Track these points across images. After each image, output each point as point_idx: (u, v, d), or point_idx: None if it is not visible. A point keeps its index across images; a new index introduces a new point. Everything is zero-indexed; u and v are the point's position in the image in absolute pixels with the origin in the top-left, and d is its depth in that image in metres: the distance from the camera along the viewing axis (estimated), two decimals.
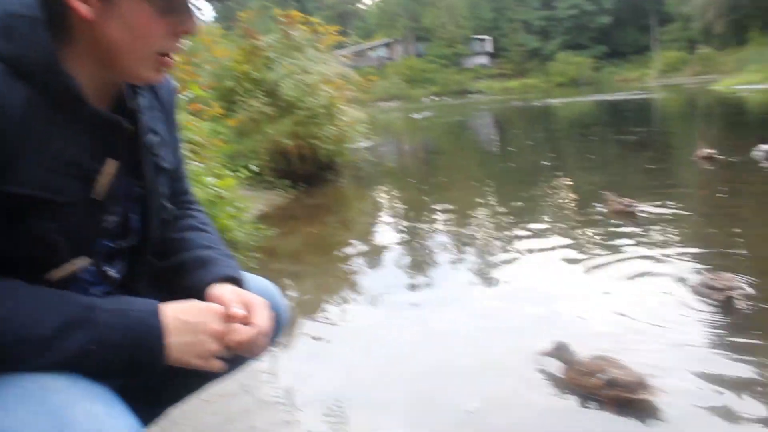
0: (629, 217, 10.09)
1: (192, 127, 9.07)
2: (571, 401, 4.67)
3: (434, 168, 20.70)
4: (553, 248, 8.83)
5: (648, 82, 69.89)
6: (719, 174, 13.66)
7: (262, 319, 1.83)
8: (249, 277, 2.20)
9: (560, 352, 4.99)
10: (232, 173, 10.17)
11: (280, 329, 2.29)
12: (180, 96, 8.93)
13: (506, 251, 9.00)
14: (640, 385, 4.40)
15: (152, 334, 1.59)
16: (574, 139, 25.67)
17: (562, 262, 8.15)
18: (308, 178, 14.70)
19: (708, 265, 7.38)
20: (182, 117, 8.70)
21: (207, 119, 11.30)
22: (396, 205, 14.11)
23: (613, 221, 9.97)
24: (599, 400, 4.53)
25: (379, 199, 14.80)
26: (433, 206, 12.93)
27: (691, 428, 4.28)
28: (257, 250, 9.13)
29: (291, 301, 7.24)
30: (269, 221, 11.01)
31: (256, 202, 12.30)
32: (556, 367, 5.01)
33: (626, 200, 10.15)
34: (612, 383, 4.44)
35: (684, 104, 41.87)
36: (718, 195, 11.83)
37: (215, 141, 10.48)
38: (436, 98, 62.14)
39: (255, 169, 12.00)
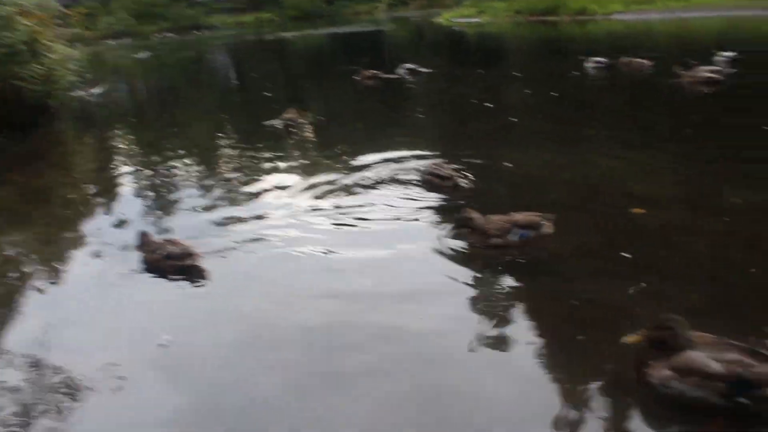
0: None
1: None
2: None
3: (167, 106, 20.22)
4: (288, 172, 10.04)
5: (377, 15, 73.47)
6: (379, 87, 18.10)
7: None
8: None
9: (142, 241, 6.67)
10: None
11: None
12: None
13: (242, 185, 9.71)
14: (188, 254, 6.37)
15: None
16: (301, 72, 26.56)
17: (293, 187, 9.24)
18: (15, 123, 13.41)
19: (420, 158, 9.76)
20: None
21: None
22: (124, 147, 13.67)
23: (329, 154, 11.84)
24: (163, 269, 6.43)
25: (107, 143, 14.23)
26: (166, 144, 13.14)
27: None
28: None
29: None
30: None
31: None
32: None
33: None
34: (168, 256, 6.40)
35: (408, 35, 45.14)
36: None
37: None
38: (169, 34, 58.96)
39: None
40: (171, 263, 6.41)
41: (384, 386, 4.52)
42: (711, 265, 5.98)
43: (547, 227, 6.32)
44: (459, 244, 6.59)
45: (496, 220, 6.39)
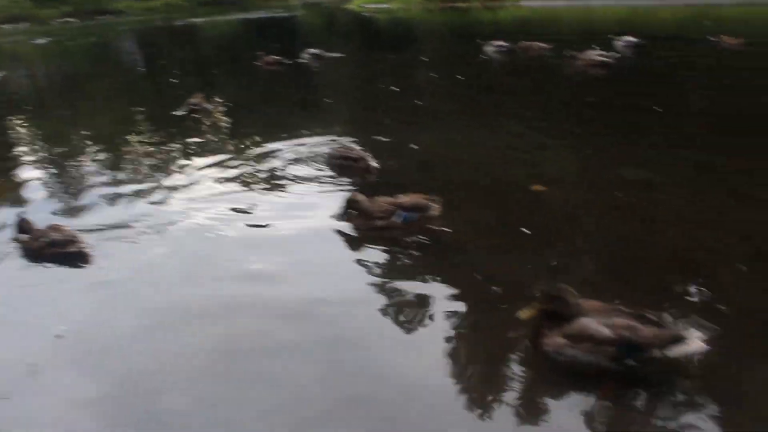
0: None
1: None
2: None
3: (70, 94, 19.23)
4: (194, 158, 9.79)
5: (290, 0, 72.44)
6: (284, 72, 18.11)
7: None
8: None
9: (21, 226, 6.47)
10: None
11: None
12: None
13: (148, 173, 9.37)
14: (71, 241, 6.21)
15: None
16: (211, 58, 25.90)
17: (198, 173, 9.00)
18: None
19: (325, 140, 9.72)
20: None
21: None
22: (24, 135, 12.93)
23: (236, 139, 11.55)
24: (44, 256, 6.21)
25: (5, 132, 13.32)
26: (67, 132, 12.60)
27: None
28: None
29: None
30: None
31: None
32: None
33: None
34: (51, 244, 6.21)
35: (320, 20, 44.75)
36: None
37: None
38: (70, 19, 56.00)
39: None
40: (55, 250, 6.19)
41: (291, 366, 4.45)
42: (606, 239, 6.21)
43: (434, 209, 6.41)
44: (348, 226, 6.60)
45: (382, 202, 6.46)
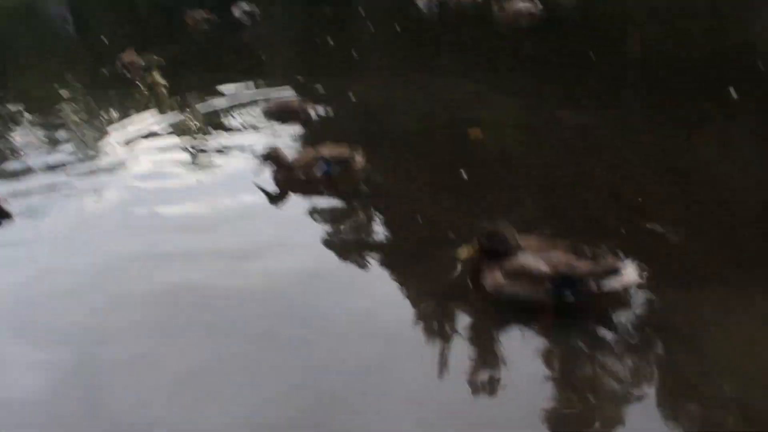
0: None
1: None
2: None
3: None
4: (132, 118, 9.32)
5: None
6: (217, 28, 17.31)
7: None
8: None
9: None
10: None
11: None
12: None
13: None
14: None
15: None
16: (146, 17, 24.86)
17: (137, 133, 8.57)
18: None
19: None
20: None
21: None
22: None
23: (173, 98, 11.26)
24: None
25: None
26: None
27: None
28: None
29: None
30: None
31: None
32: None
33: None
34: None
35: None
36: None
37: None
38: None
39: None
40: None
41: (231, 314, 4.34)
42: (543, 180, 6.25)
43: (358, 160, 6.32)
44: (270, 179, 6.45)
45: (304, 155, 6.32)
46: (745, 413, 3.29)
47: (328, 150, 6.32)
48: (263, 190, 6.29)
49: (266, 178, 6.43)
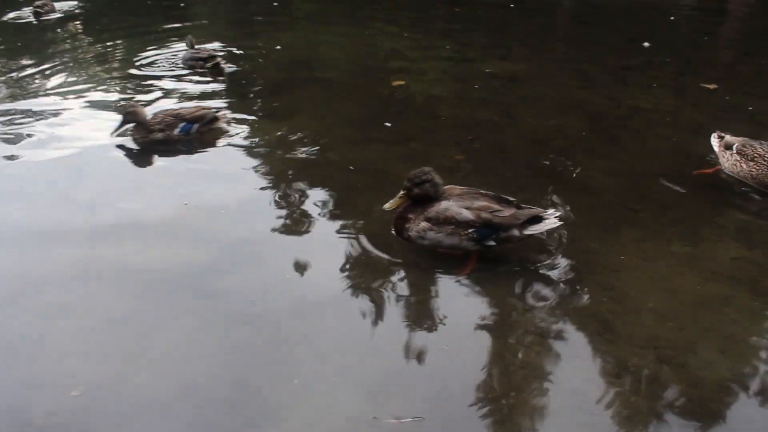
0: None
1: None
2: None
3: None
4: (52, 69, 8.66)
5: None
6: None
7: None
8: None
9: None
10: None
11: None
12: None
13: None
14: None
15: None
16: None
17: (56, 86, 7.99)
18: None
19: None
20: None
21: None
22: None
23: (92, 48, 10.61)
24: None
25: None
26: None
27: None
28: None
29: None
30: None
31: None
32: None
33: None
34: None
35: None
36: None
37: None
38: None
39: None
40: None
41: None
42: (468, 127, 6.19)
43: (221, 119, 6.14)
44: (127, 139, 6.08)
45: (163, 114, 6.06)
46: (659, 354, 3.36)
47: (186, 110, 6.07)
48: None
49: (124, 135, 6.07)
